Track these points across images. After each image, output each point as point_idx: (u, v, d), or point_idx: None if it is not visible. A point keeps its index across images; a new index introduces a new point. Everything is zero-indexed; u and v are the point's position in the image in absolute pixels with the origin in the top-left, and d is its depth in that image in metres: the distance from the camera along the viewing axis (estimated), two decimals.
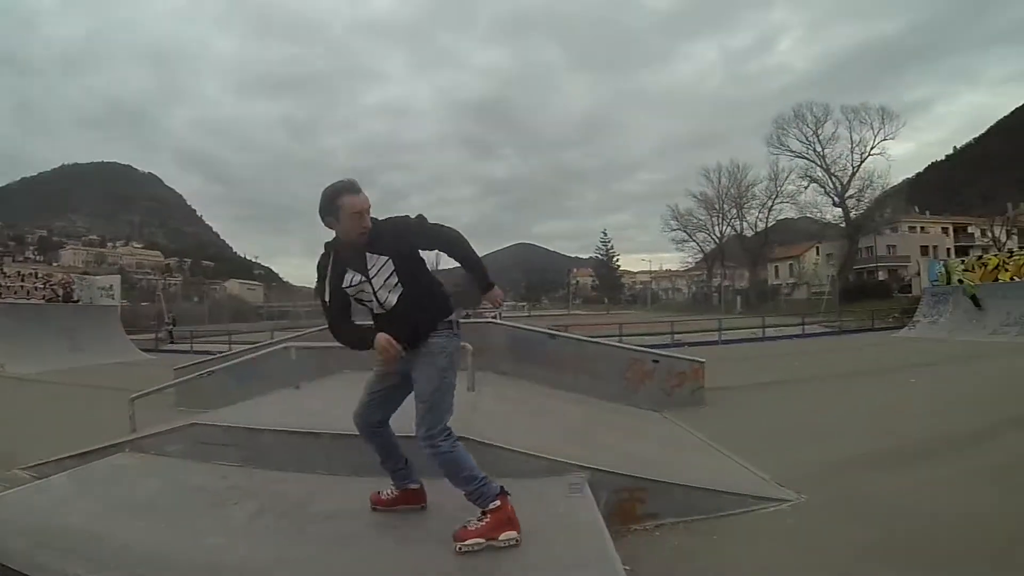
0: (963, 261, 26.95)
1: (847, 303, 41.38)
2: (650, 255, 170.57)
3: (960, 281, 24.31)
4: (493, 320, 14.46)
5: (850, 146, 59.44)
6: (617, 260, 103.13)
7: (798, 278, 72.15)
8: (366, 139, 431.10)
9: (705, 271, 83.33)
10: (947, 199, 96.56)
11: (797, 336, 27.91)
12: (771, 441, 7.26)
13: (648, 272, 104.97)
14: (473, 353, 7.43)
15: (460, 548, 3.53)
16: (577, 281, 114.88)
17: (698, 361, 10.85)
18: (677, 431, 8.14)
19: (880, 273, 66.13)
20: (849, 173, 59.45)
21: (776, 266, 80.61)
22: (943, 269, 25.87)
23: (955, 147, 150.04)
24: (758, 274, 76.02)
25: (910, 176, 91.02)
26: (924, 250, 64.86)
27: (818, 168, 61.10)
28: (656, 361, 10.61)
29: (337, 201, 3.45)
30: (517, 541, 3.60)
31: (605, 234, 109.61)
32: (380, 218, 3.62)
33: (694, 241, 77.29)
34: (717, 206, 73.47)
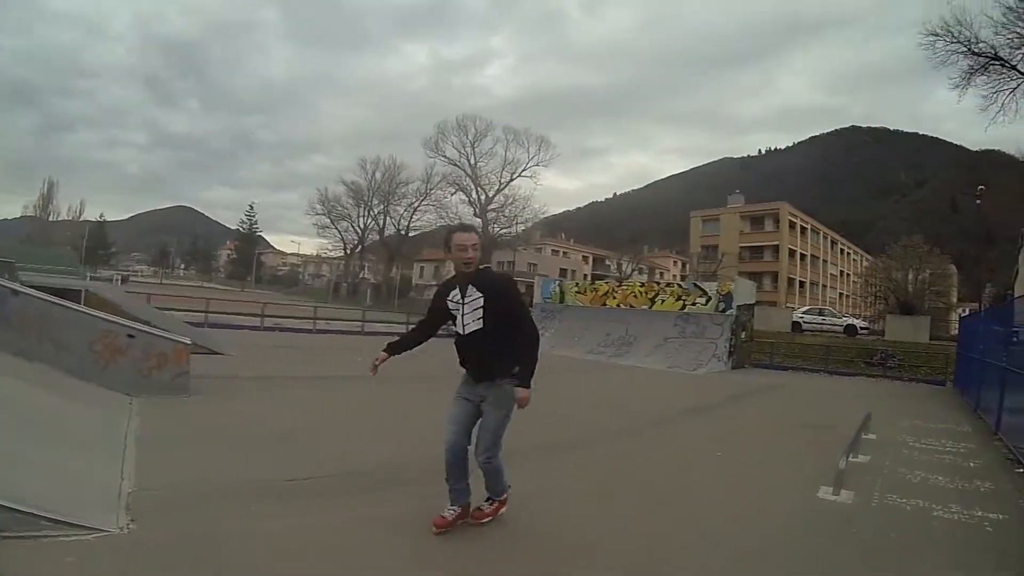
0: (576, 283, 28.69)
1: None
2: (308, 239, 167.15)
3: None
4: None
5: (502, 164, 62.49)
6: (260, 234, 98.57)
7: (439, 281, 73.46)
8: (42, 49, 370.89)
9: (343, 261, 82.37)
10: (600, 235, 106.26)
11: (392, 333, 26.74)
12: (218, 445, 6.35)
13: (297, 255, 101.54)
14: None
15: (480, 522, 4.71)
16: (229, 254, 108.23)
17: (182, 342, 9.20)
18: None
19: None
20: (496, 188, 62.67)
21: (423, 267, 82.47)
22: (557, 288, 27.14)
23: (615, 193, 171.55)
24: (397, 271, 77.68)
25: (571, 209, 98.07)
26: (564, 272, 71.29)
27: (468, 178, 63.48)
28: (132, 336, 8.87)
29: (450, 237, 4.44)
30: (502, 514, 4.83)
31: (252, 208, 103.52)
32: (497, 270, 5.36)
33: (336, 228, 76.38)
34: (366, 198, 73.52)
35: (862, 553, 4.68)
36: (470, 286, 4.33)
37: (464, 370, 4.51)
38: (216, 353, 12.37)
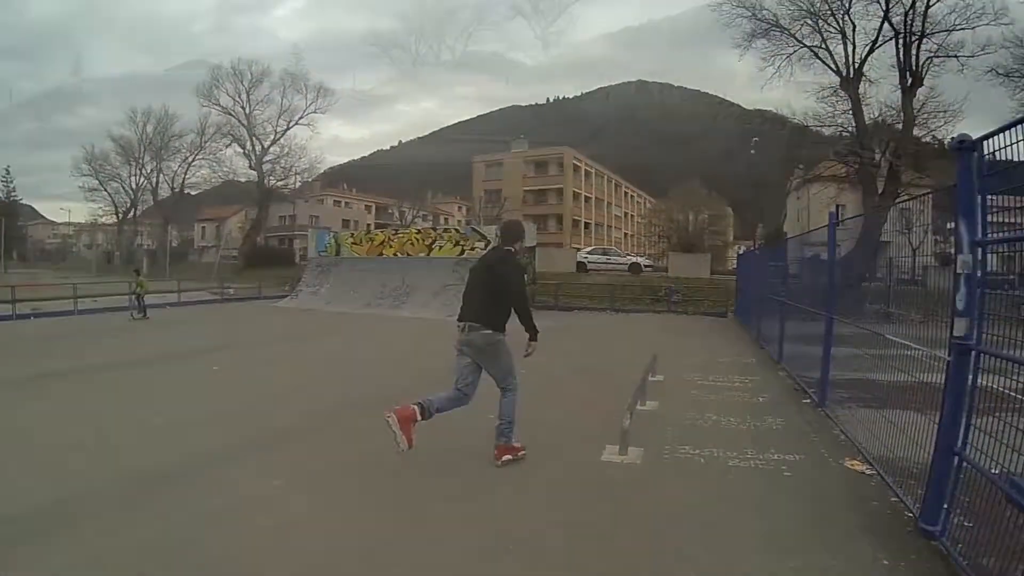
0: (352, 234, 28.01)
1: (253, 268, 40.54)
2: (80, 203, 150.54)
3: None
4: None
5: (279, 112, 57.74)
6: (22, 201, 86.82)
7: (222, 241, 68.56)
8: None
9: (121, 227, 74.47)
10: (385, 184, 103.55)
11: (171, 304, 23.57)
12: None
13: (69, 223, 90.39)
14: None
15: (501, 461, 5.07)
16: None
17: None
18: None
19: (298, 241, 66.14)
20: (272, 138, 57.95)
21: (204, 227, 76.56)
22: (332, 240, 25.75)
23: (400, 141, 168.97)
24: (175, 233, 71.55)
25: (355, 158, 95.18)
26: (346, 223, 68.74)
27: (242, 127, 58.23)
28: None
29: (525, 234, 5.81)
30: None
31: (8, 172, 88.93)
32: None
33: (106, 191, 68.17)
34: (136, 154, 65.76)
35: (654, 524, 4.01)
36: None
37: None
38: None
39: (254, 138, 57.71)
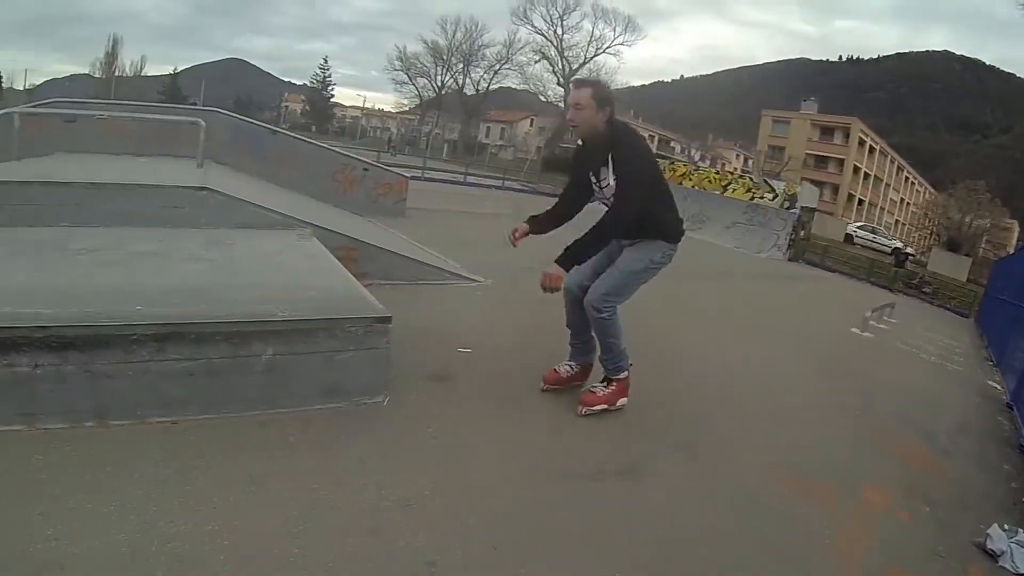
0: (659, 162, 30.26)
1: (549, 171, 44.88)
2: (360, 91, 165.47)
3: None
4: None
5: (589, 39, 65.50)
6: (332, 90, 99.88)
7: (507, 141, 75.98)
8: None
9: (418, 116, 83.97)
10: (663, 115, 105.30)
11: (496, 187, 30.65)
12: (459, 248, 8.88)
13: (359, 108, 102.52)
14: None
15: (584, 412, 4.14)
16: (287, 106, 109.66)
17: (403, 176, 12.20)
18: (378, 227, 9.23)
19: None
20: (580, 62, 65.80)
21: (489, 127, 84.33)
22: None
23: (682, 75, 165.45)
24: (470, 129, 79.34)
25: (635, 85, 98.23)
26: None
27: (553, 48, 66.38)
28: (366, 169, 11.74)
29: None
30: (624, 404, 4.29)
31: (325, 61, 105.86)
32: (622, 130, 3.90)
33: (414, 85, 78.29)
34: (445, 57, 75.01)
35: (877, 358, 8.33)
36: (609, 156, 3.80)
37: None
38: None
39: (564, 59, 65.52)
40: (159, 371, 3.18)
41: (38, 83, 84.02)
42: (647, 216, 3.86)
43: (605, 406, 4.18)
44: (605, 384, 4.24)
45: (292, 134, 12.36)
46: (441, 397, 4.04)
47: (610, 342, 4.06)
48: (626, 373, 4.25)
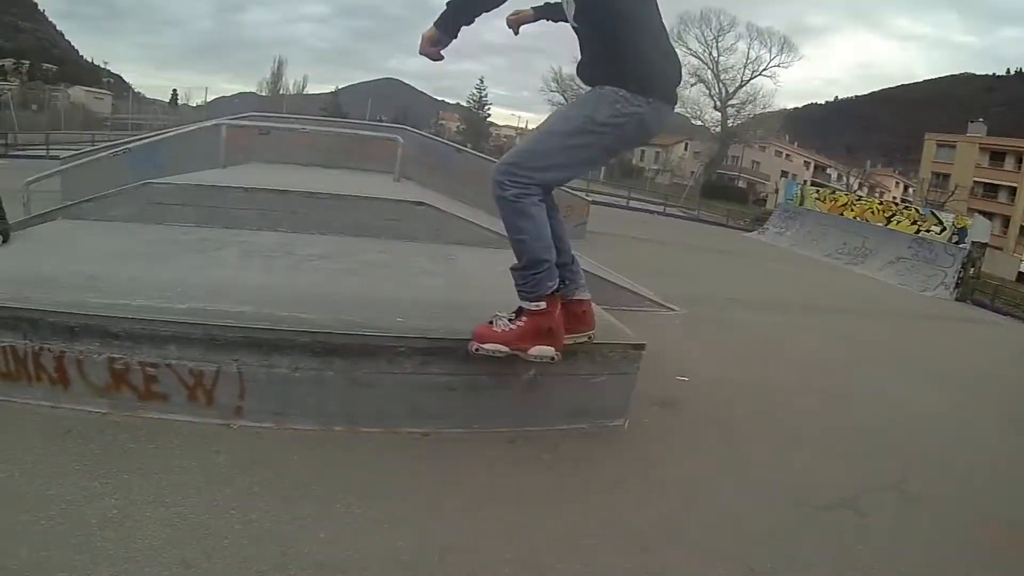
0: (818, 190, 30.16)
1: (706, 198, 44.66)
2: (514, 110, 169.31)
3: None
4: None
5: (745, 60, 64.03)
6: (488, 109, 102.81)
7: (663, 165, 75.63)
8: None
9: None
10: (816, 139, 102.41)
11: (658, 213, 31.18)
12: (646, 275, 9.11)
13: (514, 128, 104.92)
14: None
15: (475, 349, 3.13)
16: (443, 124, 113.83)
17: (585, 199, 12.80)
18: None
19: (740, 182, 71.82)
20: (737, 84, 64.51)
21: (644, 150, 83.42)
22: (799, 191, 29.07)
23: (836, 97, 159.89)
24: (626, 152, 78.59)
25: (788, 108, 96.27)
26: (784, 174, 70.14)
27: (709, 71, 65.15)
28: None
29: None
30: (552, 359, 3.18)
31: (481, 81, 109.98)
32: None
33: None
34: None
35: None
36: None
37: None
38: None
39: (720, 82, 64.54)
40: (419, 383, 3.34)
41: (209, 100, 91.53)
42: (604, 36, 2.90)
43: (502, 347, 3.09)
44: (514, 316, 3.14)
45: (476, 152, 13.30)
46: (671, 423, 4.24)
47: (519, 240, 2.98)
48: (543, 305, 3.06)
